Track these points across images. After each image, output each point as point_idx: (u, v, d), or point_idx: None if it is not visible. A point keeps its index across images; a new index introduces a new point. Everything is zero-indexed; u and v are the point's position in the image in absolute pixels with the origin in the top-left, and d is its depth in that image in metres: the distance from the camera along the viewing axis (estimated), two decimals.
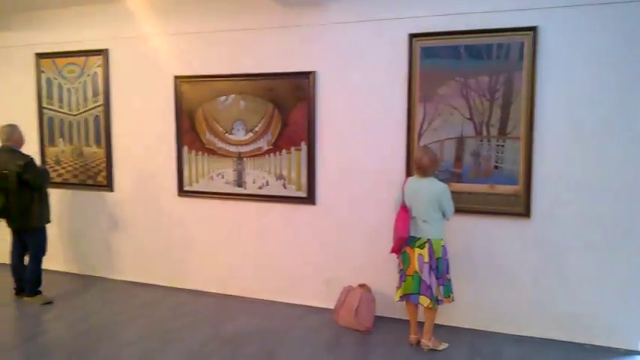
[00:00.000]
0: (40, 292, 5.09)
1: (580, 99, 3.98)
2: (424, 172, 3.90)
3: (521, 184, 4.15)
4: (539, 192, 4.13)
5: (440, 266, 3.89)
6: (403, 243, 3.96)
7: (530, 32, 4.02)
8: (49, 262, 5.87)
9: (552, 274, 4.17)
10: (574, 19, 3.95)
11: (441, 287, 3.91)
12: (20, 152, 4.92)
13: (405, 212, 3.93)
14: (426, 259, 3.86)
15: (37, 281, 5.09)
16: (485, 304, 4.38)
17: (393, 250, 4.05)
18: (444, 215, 3.91)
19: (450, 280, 3.98)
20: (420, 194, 3.88)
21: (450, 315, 4.42)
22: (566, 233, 4.11)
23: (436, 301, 3.89)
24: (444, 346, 4.04)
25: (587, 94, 3.97)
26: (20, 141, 5.01)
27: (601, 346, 4.08)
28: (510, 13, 4.09)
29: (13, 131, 4.95)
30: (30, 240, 5.02)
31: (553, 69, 4.02)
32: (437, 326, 4.20)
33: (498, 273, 4.31)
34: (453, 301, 4.01)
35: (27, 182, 4.78)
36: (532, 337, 4.25)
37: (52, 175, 5.88)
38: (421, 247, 3.89)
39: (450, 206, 3.91)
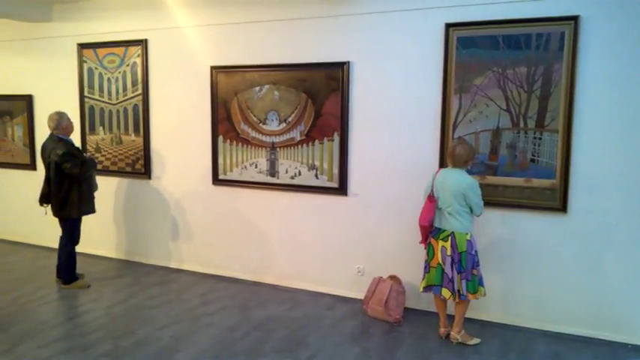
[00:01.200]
0: (75, 279, 5.18)
1: (623, 91, 3.84)
2: (454, 162, 3.86)
3: (558, 177, 4.05)
4: (576, 186, 4.02)
5: (463, 260, 3.81)
6: (426, 233, 3.98)
7: (572, 22, 3.90)
8: (91, 247, 6.10)
9: (589, 270, 4.06)
10: (618, 8, 3.80)
11: (464, 282, 3.83)
12: (65, 140, 4.96)
13: (430, 202, 3.93)
14: (449, 252, 3.84)
15: (69, 269, 5.14)
16: (518, 298, 4.30)
17: (422, 241, 4.05)
18: (472, 211, 3.85)
19: (476, 275, 3.87)
20: (447, 185, 3.83)
21: (482, 309, 4.37)
22: (604, 229, 3.99)
23: (459, 295, 3.84)
24: (475, 341, 3.98)
25: (630, 85, 3.82)
26: (68, 129, 5.04)
27: None
28: (551, 2, 3.97)
29: (60, 119, 4.98)
30: (64, 228, 5.11)
31: (595, 60, 3.89)
32: (468, 320, 4.16)
33: (532, 267, 4.22)
34: (482, 296, 3.94)
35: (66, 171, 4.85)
36: (567, 334, 4.15)
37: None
38: (445, 239, 3.85)
39: (477, 202, 3.82)
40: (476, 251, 3.87)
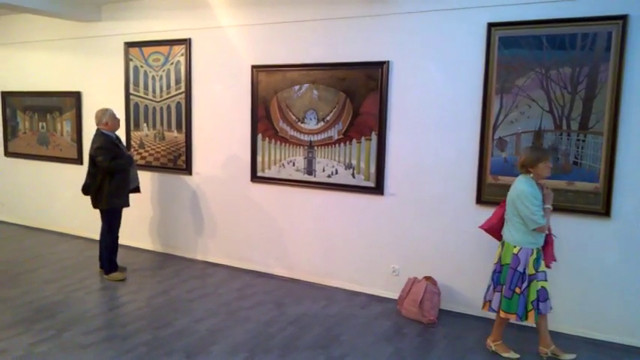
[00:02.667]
0: (114, 269, 5.32)
1: None
2: (519, 167, 3.70)
3: (602, 181, 3.94)
4: (621, 191, 3.90)
5: (504, 274, 3.64)
6: (490, 234, 3.93)
7: (620, 21, 3.79)
8: (132, 239, 6.30)
9: (633, 276, 3.94)
10: None
11: (498, 294, 3.69)
12: (106, 135, 5.13)
13: (500, 207, 3.87)
14: (495, 260, 3.76)
15: (108, 260, 5.29)
16: (559, 303, 4.19)
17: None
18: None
19: (514, 295, 3.58)
20: (509, 191, 3.71)
21: None
22: None
23: (489, 305, 3.76)
24: (512, 355, 3.77)
25: None
26: (109, 125, 5.19)
27: None
28: (597, 1, 3.87)
29: (102, 115, 5.17)
30: (102, 219, 5.29)
31: None
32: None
33: (575, 272, 4.12)
34: (513, 319, 3.64)
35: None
36: (609, 342, 4.03)
37: (136, 157, 6.27)
38: (501, 246, 3.76)
39: (525, 213, 3.52)
40: (524, 269, 3.58)
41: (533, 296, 3.59)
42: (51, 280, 5.22)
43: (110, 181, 5.10)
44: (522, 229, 3.59)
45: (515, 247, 3.61)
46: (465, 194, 4.46)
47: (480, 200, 4.38)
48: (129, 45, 6.22)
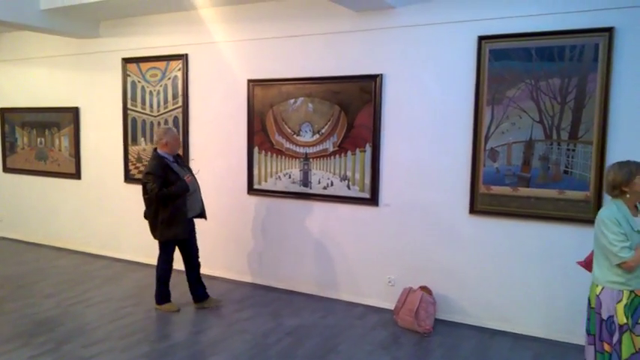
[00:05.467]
0: (167, 300, 4.88)
1: None
2: (607, 191, 2.99)
3: (592, 189, 4.01)
4: None
5: (592, 320, 2.92)
6: (589, 270, 3.14)
7: (606, 33, 3.88)
8: (133, 252, 6.31)
9: None
10: None
11: (591, 348, 2.95)
12: (161, 157, 4.60)
13: None
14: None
15: (158, 291, 4.86)
16: (554, 311, 4.24)
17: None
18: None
19: (604, 354, 2.85)
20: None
21: (519, 320, 4.33)
22: None
23: None
24: None
25: None
26: (169, 145, 4.64)
27: None
28: (584, 14, 3.96)
29: (163, 134, 4.65)
30: (159, 248, 4.85)
31: (630, 72, 3.86)
32: (500, 333, 4.12)
33: (567, 280, 4.16)
34: None
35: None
36: None
37: (133, 171, 6.33)
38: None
39: (604, 243, 2.82)
40: (612, 317, 2.82)
41: (626, 354, 2.76)
42: (50, 294, 5.24)
43: (164, 209, 4.55)
44: (605, 264, 2.88)
45: (597, 286, 2.93)
46: (458, 204, 4.52)
47: (473, 210, 4.44)
48: (126, 61, 6.31)
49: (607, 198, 3.83)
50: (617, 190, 2.87)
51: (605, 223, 2.82)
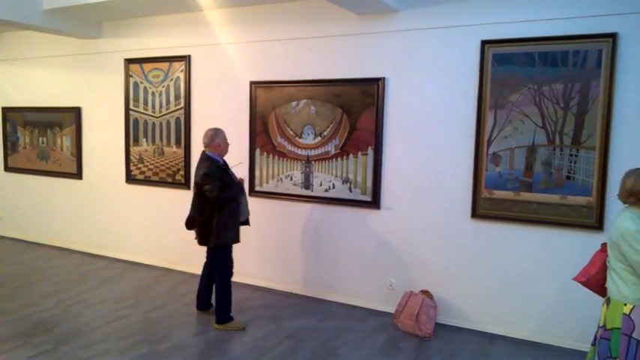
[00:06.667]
0: (231, 319, 4.50)
1: None
2: (620, 197, 2.89)
3: (594, 195, 4.00)
4: (613, 204, 3.93)
5: (613, 342, 2.74)
6: (589, 288, 3.03)
7: (610, 39, 3.88)
8: (133, 254, 6.30)
9: None
10: None
11: None
12: (213, 160, 4.38)
13: (600, 252, 3.03)
14: (600, 322, 2.91)
15: (223, 308, 4.48)
16: (554, 318, 4.23)
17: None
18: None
19: None
20: (611, 231, 2.89)
21: (515, 325, 4.31)
22: None
23: None
24: None
25: None
26: (221, 147, 4.46)
27: None
28: (588, 20, 3.96)
29: (214, 135, 4.42)
30: (210, 259, 4.65)
31: (633, 78, 3.85)
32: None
33: (569, 286, 4.15)
34: None
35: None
36: None
37: (135, 172, 6.32)
38: (606, 304, 2.88)
39: (634, 258, 2.67)
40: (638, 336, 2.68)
41: None
42: (49, 294, 5.23)
43: (220, 213, 4.33)
44: (631, 279, 2.72)
45: (623, 304, 2.73)
46: (460, 208, 4.51)
47: (475, 214, 4.43)
48: (129, 61, 6.31)
49: (611, 205, 3.88)
50: (634, 198, 2.78)
51: (634, 236, 2.66)
